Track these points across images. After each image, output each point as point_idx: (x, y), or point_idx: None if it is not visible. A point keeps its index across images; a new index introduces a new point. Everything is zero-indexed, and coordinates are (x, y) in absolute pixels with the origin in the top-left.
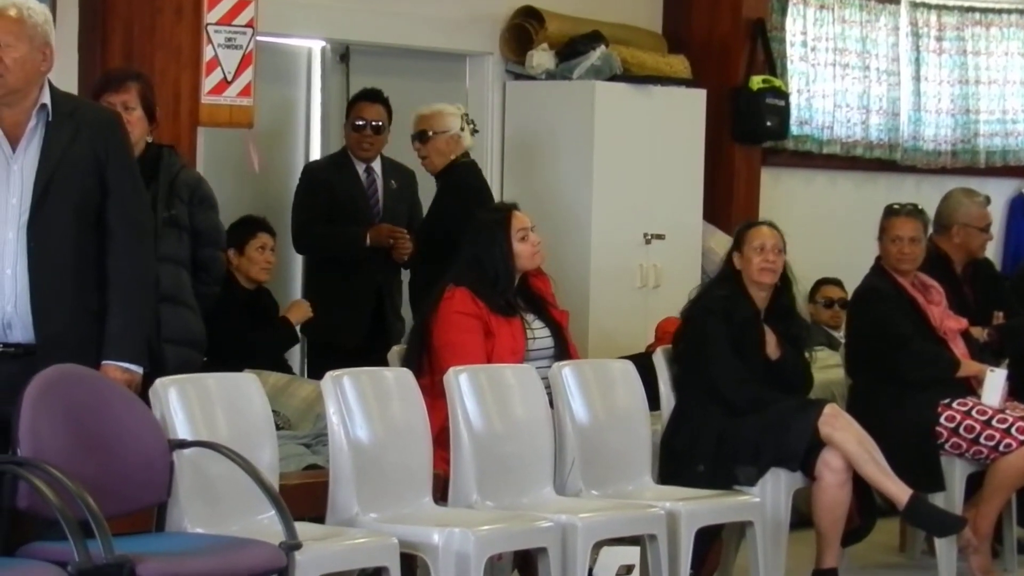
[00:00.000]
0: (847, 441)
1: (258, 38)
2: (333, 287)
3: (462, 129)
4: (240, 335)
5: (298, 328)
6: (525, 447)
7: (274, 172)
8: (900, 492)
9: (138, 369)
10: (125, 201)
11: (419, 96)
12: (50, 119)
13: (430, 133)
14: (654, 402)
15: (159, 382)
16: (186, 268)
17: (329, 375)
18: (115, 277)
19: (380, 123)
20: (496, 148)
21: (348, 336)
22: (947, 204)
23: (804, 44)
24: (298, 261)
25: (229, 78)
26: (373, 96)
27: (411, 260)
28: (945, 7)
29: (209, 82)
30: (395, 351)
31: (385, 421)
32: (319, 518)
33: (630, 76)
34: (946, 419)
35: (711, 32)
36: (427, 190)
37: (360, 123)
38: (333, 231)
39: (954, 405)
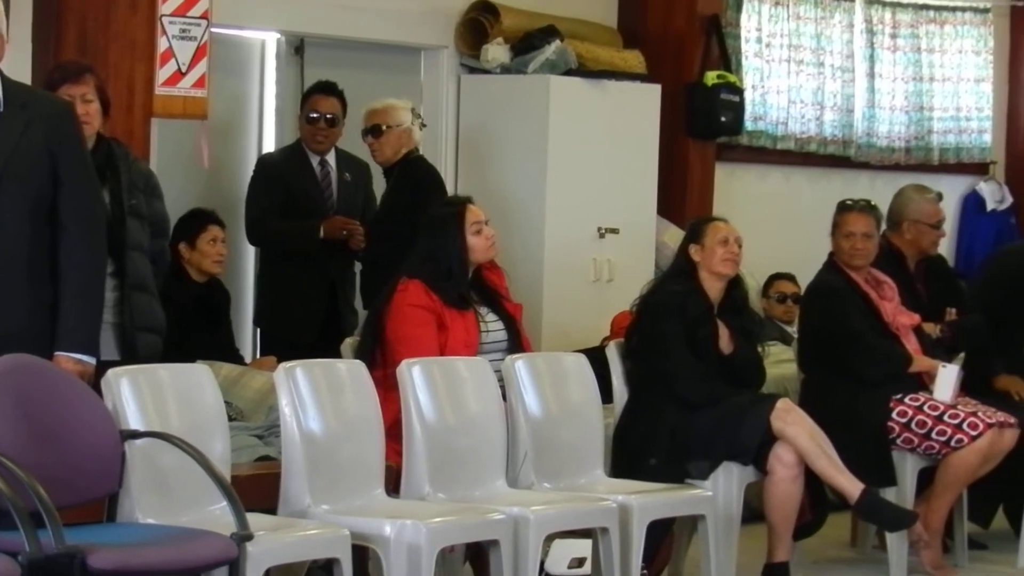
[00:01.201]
0: (799, 436)
1: (212, 30)
2: (286, 280)
3: (412, 123)
4: (190, 331)
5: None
6: (478, 440)
7: (228, 164)
8: (852, 487)
9: (91, 360)
10: (78, 193)
11: (374, 89)
12: (2, 110)
13: (384, 127)
14: (607, 395)
15: (111, 372)
16: (148, 256)
17: (282, 366)
18: (68, 269)
19: (334, 116)
20: (450, 142)
21: (301, 328)
22: (899, 200)
23: (759, 40)
24: (251, 253)
25: (183, 69)
26: (327, 89)
27: (364, 252)
28: (900, 4)
29: (163, 73)
30: (348, 343)
31: (338, 413)
32: (271, 509)
33: (585, 71)
34: (898, 414)
35: (666, 27)
36: (380, 183)
37: (314, 116)
38: (287, 224)
39: (906, 400)
